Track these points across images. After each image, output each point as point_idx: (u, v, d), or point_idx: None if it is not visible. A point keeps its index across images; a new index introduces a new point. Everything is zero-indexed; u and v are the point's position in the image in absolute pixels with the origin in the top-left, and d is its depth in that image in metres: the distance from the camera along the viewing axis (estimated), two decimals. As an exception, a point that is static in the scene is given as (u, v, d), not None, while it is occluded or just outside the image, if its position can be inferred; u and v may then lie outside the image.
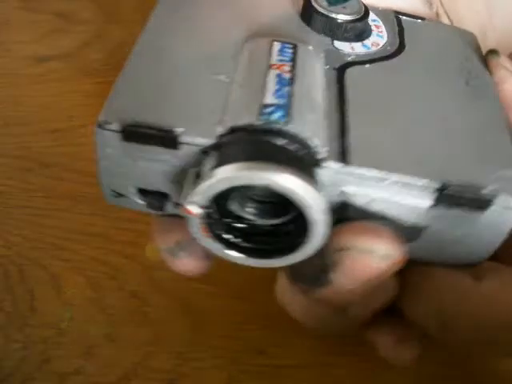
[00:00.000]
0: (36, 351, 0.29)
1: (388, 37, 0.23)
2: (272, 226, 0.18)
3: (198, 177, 0.17)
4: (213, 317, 0.31)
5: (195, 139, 0.17)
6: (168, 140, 0.17)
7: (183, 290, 0.32)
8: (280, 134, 0.17)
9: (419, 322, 0.21)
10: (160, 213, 0.20)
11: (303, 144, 0.17)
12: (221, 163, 0.16)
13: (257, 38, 0.21)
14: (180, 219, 0.18)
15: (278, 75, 0.19)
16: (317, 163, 0.17)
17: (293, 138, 0.17)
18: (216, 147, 0.17)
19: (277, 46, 0.20)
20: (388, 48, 0.23)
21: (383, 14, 0.25)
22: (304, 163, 0.17)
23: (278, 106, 0.17)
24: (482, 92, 0.22)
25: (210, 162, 0.17)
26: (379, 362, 0.30)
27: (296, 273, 0.20)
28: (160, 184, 0.19)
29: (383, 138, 0.19)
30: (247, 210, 0.18)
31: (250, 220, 0.18)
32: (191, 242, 0.18)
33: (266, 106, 0.17)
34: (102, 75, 0.45)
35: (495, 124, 0.21)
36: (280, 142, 0.17)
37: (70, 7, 0.51)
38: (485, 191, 0.17)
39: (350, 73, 0.21)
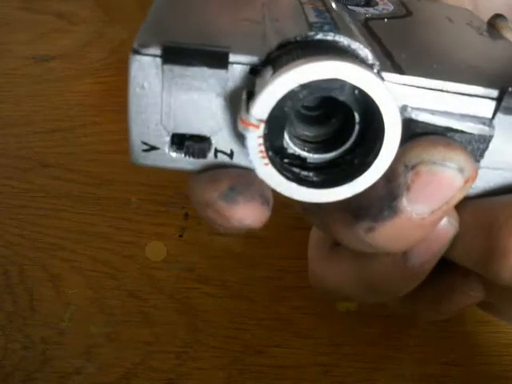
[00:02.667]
0: (36, 351, 0.29)
1: (394, 6, 0.24)
2: (327, 161, 0.17)
3: (251, 96, 0.15)
4: (213, 317, 0.31)
5: (245, 57, 0.16)
6: (216, 57, 0.16)
7: (183, 290, 0.32)
8: (333, 43, 0.16)
9: (462, 262, 0.18)
10: (198, 165, 0.18)
11: (357, 54, 0.17)
12: (280, 68, 0.15)
13: None
14: (225, 169, 0.17)
15: (314, 8, 0.19)
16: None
17: (347, 47, 0.16)
18: (267, 63, 0.16)
19: None
20: (398, 12, 0.24)
21: None
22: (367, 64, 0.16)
23: (324, 23, 0.17)
24: (497, 37, 0.22)
25: (263, 76, 0.15)
26: (379, 363, 0.30)
27: (359, 207, 0.17)
28: (201, 123, 0.17)
29: (429, 58, 0.18)
30: (299, 146, 0.17)
31: (304, 157, 0.17)
32: (247, 184, 0.17)
33: (314, 22, 0.17)
34: (102, 75, 0.45)
35: None
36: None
37: (70, 7, 0.51)
38: None
39: (374, 24, 0.21)
